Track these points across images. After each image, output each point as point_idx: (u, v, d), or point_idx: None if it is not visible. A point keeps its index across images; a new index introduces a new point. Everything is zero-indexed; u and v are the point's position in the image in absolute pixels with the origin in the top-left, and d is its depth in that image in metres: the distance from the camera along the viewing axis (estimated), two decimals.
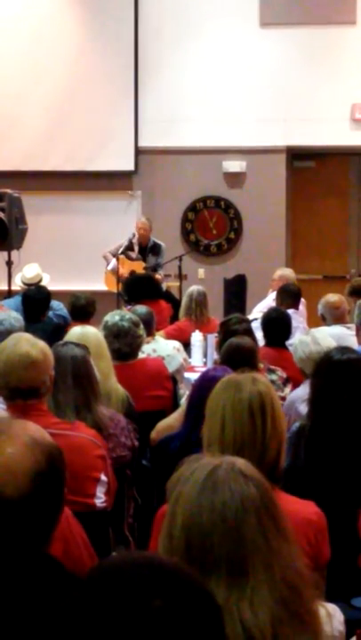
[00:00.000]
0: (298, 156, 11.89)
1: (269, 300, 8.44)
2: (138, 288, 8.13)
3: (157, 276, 9.35)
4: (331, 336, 5.05)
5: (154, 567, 1.22)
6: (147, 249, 10.34)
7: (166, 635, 1.14)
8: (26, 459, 1.95)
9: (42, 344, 3.48)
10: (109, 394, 4.35)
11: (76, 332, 4.52)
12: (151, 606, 1.15)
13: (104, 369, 4.28)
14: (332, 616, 1.92)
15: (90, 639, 1.15)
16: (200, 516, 1.66)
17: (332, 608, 1.95)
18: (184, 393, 5.50)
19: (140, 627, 1.13)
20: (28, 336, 3.56)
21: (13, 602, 1.81)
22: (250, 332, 5.51)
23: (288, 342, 6.47)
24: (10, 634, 1.77)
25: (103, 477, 3.47)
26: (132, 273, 9.73)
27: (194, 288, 7.93)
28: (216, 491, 1.68)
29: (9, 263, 9.60)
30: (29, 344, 3.43)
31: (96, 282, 10.47)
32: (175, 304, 8.86)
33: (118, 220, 11.34)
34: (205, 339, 7.07)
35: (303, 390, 4.52)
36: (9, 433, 2.01)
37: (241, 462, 1.76)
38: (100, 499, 3.43)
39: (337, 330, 6.17)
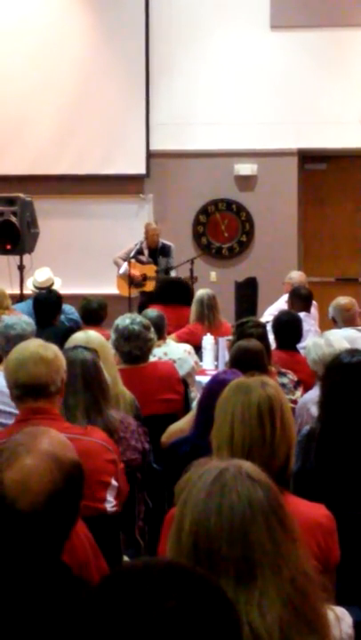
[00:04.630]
0: (309, 159, 11.88)
1: (281, 303, 8.43)
2: (171, 290, 8.17)
3: None
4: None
5: (167, 569, 1.23)
6: (157, 251, 10.35)
7: (181, 635, 1.14)
8: (43, 476, 1.95)
9: (53, 347, 3.49)
10: (117, 398, 4.35)
11: (79, 337, 4.51)
12: (165, 607, 1.15)
13: (109, 373, 4.27)
14: (340, 619, 1.91)
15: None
16: (207, 520, 1.66)
17: (341, 611, 1.94)
18: (195, 396, 5.50)
19: (154, 627, 1.14)
20: (40, 340, 3.58)
21: (21, 606, 1.82)
22: (265, 337, 5.48)
23: (300, 345, 6.47)
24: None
25: (114, 482, 3.46)
26: (144, 276, 9.77)
27: (203, 292, 7.72)
28: (223, 494, 1.68)
29: (21, 267, 9.63)
30: (41, 346, 3.45)
31: (108, 285, 10.47)
32: None
33: (130, 224, 11.34)
34: (217, 342, 7.05)
35: (316, 392, 4.51)
36: (30, 445, 2.00)
37: (248, 465, 1.76)
38: (110, 503, 3.42)
39: (348, 332, 6.15)
